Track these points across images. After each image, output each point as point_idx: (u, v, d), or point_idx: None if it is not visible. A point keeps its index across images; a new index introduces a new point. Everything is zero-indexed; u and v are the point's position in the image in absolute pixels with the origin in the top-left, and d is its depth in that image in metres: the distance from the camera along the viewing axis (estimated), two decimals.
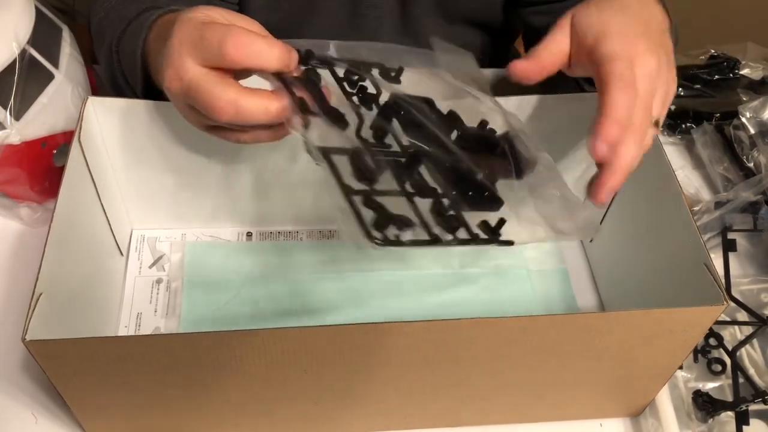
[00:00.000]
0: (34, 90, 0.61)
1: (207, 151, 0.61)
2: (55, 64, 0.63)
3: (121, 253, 0.65)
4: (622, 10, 0.52)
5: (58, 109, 0.63)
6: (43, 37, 0.62)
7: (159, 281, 0.65)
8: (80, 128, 0.55)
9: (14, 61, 0.59)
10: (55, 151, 0.64)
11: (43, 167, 0.64)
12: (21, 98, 0.60)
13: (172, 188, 0.65)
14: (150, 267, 0.66)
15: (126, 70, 0.59)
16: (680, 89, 0.84)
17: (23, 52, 0.60)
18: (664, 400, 0.57)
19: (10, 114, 0.59)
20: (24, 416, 0.56)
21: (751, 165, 0.73)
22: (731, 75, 0.86)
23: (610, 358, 0.50)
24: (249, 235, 0.69)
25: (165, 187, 0.64)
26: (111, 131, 0.59)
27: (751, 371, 0.60)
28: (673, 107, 0.82)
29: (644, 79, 0.48)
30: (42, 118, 0.62)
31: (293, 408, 0.53)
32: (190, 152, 0.61)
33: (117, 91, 0.64)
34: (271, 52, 0.47)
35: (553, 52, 0.52)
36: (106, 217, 0.61)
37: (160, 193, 0.65)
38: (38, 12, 0.63)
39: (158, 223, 0.68)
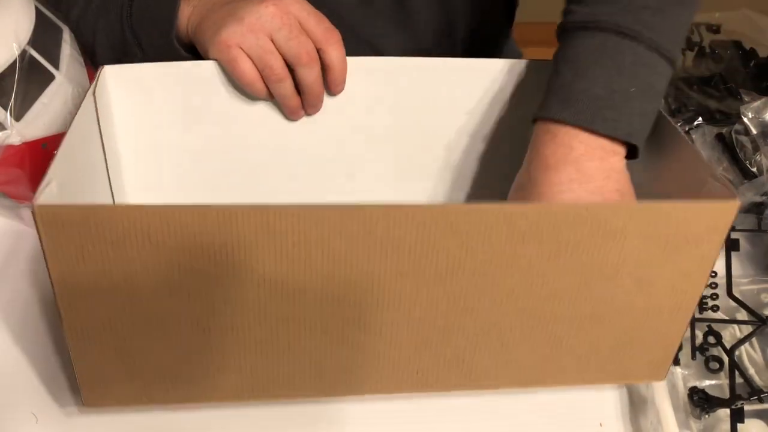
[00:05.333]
0: (35, 90, 0.62)
1: (222, 131, 0.65)
2: (56, 65, 0.63)
3: None
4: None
5: (59, 110, 0.63)
6: (44, 37, 0.63)
7: None
8: (96, 85, 0.57)
9: (14, 62, 0.59)
10: (55, 152, 0.64)
11: (44, 168, 0.64)
12: (21, 99, 0.60)
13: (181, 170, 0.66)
14: None
15: (145, 23, 0.65)
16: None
17: (23, 53, 0.60)
18: (663, 398, 0.57)
19: (11, 115, 0.60)
20: (24, 417, 0.56)
21: (754, 170, 0.73)
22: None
23: (628, 274, 0.49)
24: None
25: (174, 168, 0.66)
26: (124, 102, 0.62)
27: (751, 371, 0.60)
28: (673, 107, 0.82)
29: None
30: (42, 118, 0.62)
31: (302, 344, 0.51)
32: (201, 132, 0.64)
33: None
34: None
35: None
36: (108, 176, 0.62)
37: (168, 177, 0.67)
38: (38, 12, 0.63)
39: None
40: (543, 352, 0.54)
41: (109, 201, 0.63)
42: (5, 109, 0.59)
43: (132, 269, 0.45)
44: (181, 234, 0.44)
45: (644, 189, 0.61)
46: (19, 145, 0.61)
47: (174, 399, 0.53)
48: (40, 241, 0.43)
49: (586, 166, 0.53)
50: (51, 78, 0.63)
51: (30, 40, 0.61)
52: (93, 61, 0.69)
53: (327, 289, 0.48)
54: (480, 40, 0.87)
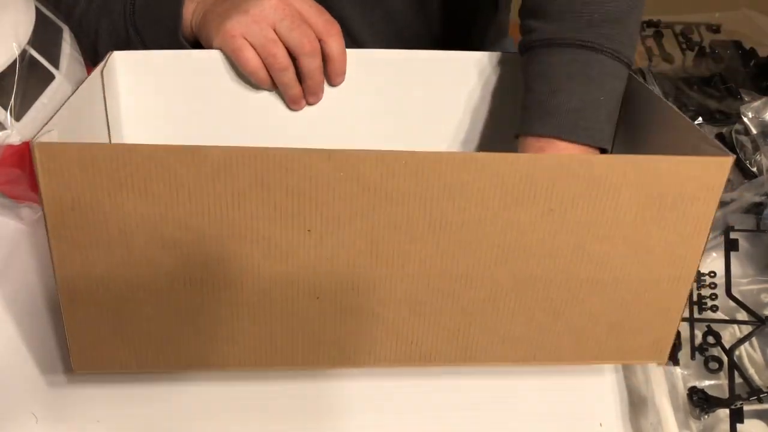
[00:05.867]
0: (35, 90, 0.62)
1: (224, 120, 0.67)
2: (56, 65, 0.63)
3: None
4: None
5: None
6: (44, 37, 0.63)
7: None
8: (104, 65, 0.59)
9: (14, 62, 0.59)
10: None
11: None
12: (21, 99, 0.60)
13: None
14: None
15: (149, 21, 0.67)
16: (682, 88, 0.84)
17: (23, 53, 0.60)
18: (662, 398, 0.57)
19: (11, 114, 0.60)
20: (24, 417, 0.56)
21: (754, 170, 0.73)
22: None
23: (623, 238, 0.49)
24: None
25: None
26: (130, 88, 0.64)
27: (750, 371, 0.60)
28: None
29: None
30: (42, 118, 0.62)
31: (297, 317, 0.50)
32: (204, 120, 0.66)
33: None
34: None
35: None
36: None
37: None
38: (38, 12, 0.63)
39: None
40: (540, 322, 0.53)
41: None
42: (5, 109, 0.59)
43: (127, 218, 0.45)
44: (176, 182, 0.44)
45: None
46: (19, 145, 0.61)
47: (164, 366, 0.53)
48: (38, 186, 0.43)
49: None
50: (51, 78, 0.63)
51: (30, 39, 0.61)
52: (94, 61, 0.69)
53: (319, 244, 0.47)
54: (455, 12, 0.87)
